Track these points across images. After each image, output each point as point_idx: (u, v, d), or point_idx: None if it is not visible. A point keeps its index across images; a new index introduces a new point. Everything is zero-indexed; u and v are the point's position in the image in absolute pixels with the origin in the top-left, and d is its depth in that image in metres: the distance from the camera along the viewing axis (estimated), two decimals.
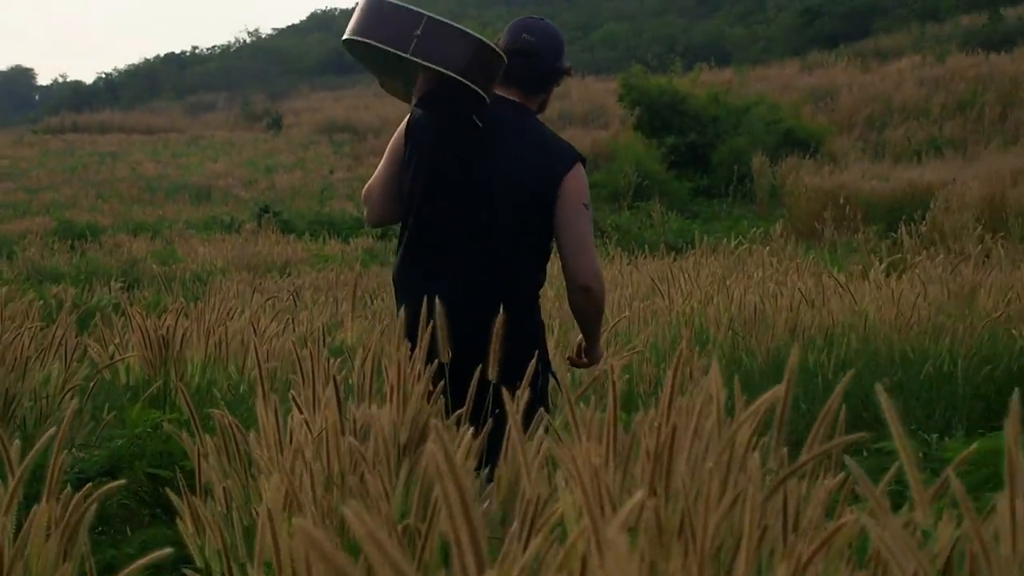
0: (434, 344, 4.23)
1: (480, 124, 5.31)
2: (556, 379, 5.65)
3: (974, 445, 4.25)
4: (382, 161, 5.60)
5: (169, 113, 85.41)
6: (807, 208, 25.20)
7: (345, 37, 5.22)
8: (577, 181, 5.39)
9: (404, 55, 4.95)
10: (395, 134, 5.59)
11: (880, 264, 12.00)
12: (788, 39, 75.47)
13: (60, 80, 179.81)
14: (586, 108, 47.42)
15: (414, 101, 5.37)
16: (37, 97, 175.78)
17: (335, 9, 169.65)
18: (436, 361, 4.10)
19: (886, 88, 44.46)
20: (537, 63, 5.49)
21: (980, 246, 15.20)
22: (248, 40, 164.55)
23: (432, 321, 4.26)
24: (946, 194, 23.44)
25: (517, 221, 5.36)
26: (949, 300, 9.60)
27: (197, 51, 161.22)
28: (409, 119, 5.54)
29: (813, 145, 34.77)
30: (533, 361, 4.31)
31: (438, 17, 5.07)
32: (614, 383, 2.87)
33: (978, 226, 19.33)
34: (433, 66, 4.99)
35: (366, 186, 5.66)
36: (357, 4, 5.30)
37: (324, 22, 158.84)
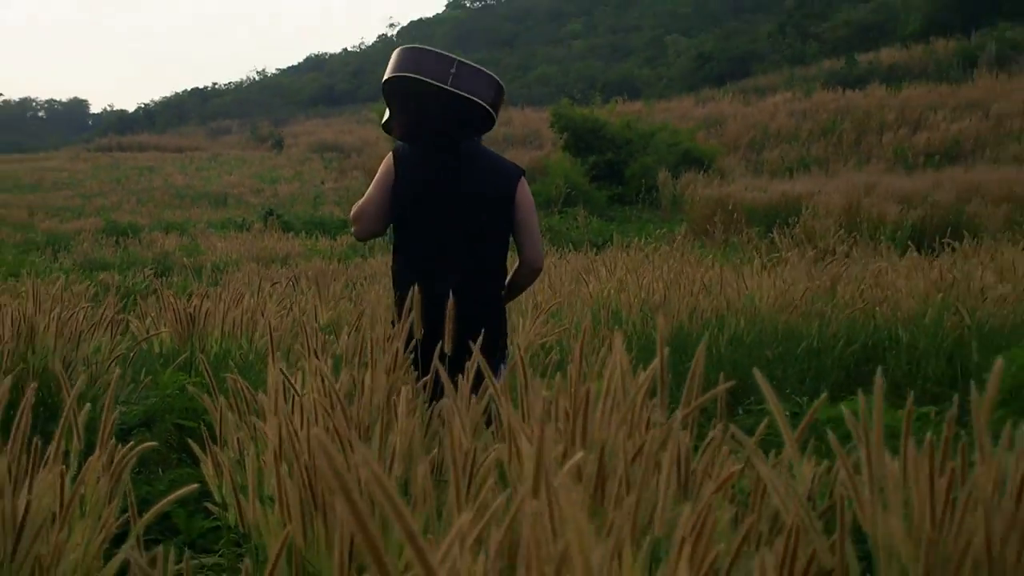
0: (435, 324, 4.59)
1: (457, 149, 5.52)
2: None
3: (840, 407, 4.27)
4: (371, 189, 5.56)
5: (194, 136, 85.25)
6: (702, 213, 25.21)
7: (395, 74, 5.37)
8: (525, 189, 5.58)
9: (444, 87, 5.18)
10: (381, 168, 5.60)
11: (760, 259, 12.06)
12: (685, 78, 75.64)
13: (108, 109, 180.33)
14: (525, 132, 47.40)
15: (407, 135, 5.64)
16: (90, 122, 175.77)
17: (326, 53, 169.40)
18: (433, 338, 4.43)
19: (763, 118, 44.59)
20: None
21: (840, 245, 15.29)
22: (256, 77, 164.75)
23: (436, 309, 4.61)
24: (812, 203, 23.48)
25: (491, 222, 5.53)
26: (817, 289, 9.64)
27: (216, 86, 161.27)
28: (394, 154, 5.57)
29: (706, 163, 34.83)
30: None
31: (465, 60, 5.33)
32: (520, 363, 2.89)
33: (838, 229, 19.43)
34: (466, 95, 5.24)
35: (356, 207, 5.60)
36: (395, 51, 5.51)
37: (317, 64, 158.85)
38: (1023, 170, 27.78)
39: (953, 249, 12.11)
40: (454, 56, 5.36)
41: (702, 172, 33.02)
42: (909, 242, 17.01)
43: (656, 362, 2.84)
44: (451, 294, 4.73)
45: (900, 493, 2.12)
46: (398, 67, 5.38)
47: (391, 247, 5.70)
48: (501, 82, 5.49)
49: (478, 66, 5.38)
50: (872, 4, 76.34)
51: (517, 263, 5.77)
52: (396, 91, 5.50)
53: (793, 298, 9.34)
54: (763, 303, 9.35)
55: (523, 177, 5.64)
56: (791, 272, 10.93)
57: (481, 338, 3.71)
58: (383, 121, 5.87)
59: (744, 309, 9.33)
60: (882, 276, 10.35)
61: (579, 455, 2.25)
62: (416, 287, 4.94)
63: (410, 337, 4.63)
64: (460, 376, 3.42)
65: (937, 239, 14.45)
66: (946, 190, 24.43)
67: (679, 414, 2.64)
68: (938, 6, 62.92)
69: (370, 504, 1.39)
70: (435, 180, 5.52)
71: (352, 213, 5.64)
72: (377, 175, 5.59)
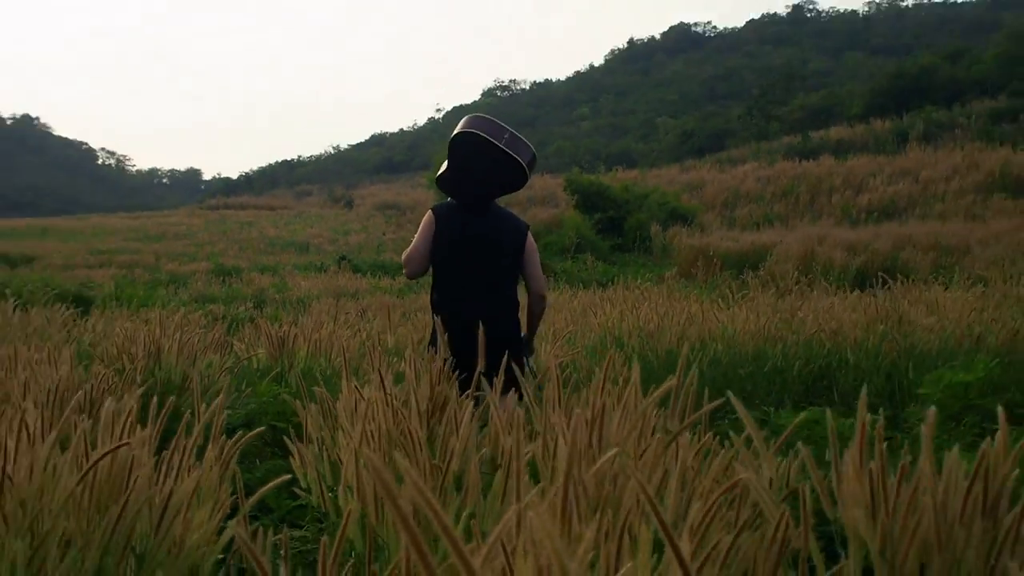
0: (468, 345, 4.60)
1: (486, 209, 5.86)
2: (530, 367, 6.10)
3: (801, 415, 4.25)
4: (416, 238, 5.81)
5: (283, 197, 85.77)
6: (686, 259, 25.24)
7: (464, 130, 5.71)
8: (531, 240, 5.97)
9: (498, 144, 5.61)
10: (424, 222, 5.87)
11: (733, 296, 12.11)
12: (672, 151, 75.73)
13: (217, 176, 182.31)
14: (544, 194, 47.26)
15: (453, 191, 5.94)
16: (203, 187, 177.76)
17: (386, 132, 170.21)
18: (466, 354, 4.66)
19: (735, 182, 44.56)
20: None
21: (797, 285, 15.26)
22: (332, 151, 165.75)
23: (467, 331, 4.71)
24: (775, 251, 23.55)
25: (508, 265, 5.88)
26: (780, 320, 9.65)
27: (300, 158, 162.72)
28: (434, 211, 5.90)
29: (689, 218, 34.84)
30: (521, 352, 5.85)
31: (513, 130, 5.75)
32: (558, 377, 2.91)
33: (796, 272, 19.39)
34: (512, 154, 5.66)
35: (405, 254, 5.82)
36: (465, 117, 5.87)
37: (379, 140, 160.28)
38: (946, 225, 27.78)
39: (889, 288, 12.07)
40: (507, 126, 5.74)
41: (686, 226, 33.05)
42: (854, 283, 17.02)
43: (667, 384, 2.85)
44: (482, 321, 4.70)
45: (858, 486, 2.10)
46: (467, 126, 5.73)
47: (432, 285, 5.91)
48: (535, 152, 5.88)
49: (522, 137, 5.77)
50: (822, 92, 76.54)
51: (528, 296, 6.05)
52: (459, 144, 5.74)
53: (760, 327, 9.36)
54: (737, 331, 9.36)
55: (529, 231, 6.01)
56: (759, 306, 10.97)
57: (507, 356, 3.96)
58: (437, 175, 6.05)
59: (722, 336, 9.35)
60: (832, 310, 10.33)
61: (611, 453, 2.25)
62: (450, 314, 5.46)
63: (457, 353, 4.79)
64: (491, 383, 3.60)
65: (876, 280, 14.41)
66: (884, 240, 24.44)
67: (687, 422, 2.65)
68: (876, 93, 63.08)
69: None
70: (467, 232, 5.80)
71: (403, 258, 5.84)
72: (420, 228, 5.86)
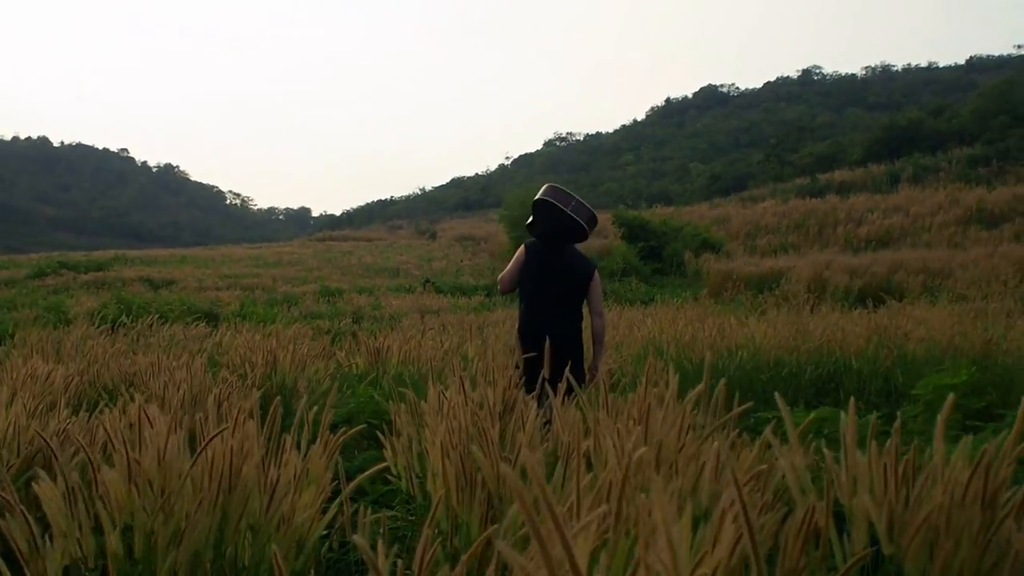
0: (539, 352, 4.95)
1: (563, 249, 6.42)
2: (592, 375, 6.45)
3: (813, 414, 4.18)
4: (510, 265, 6.46)
5: (378, 230, 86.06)
6: (715, 281, 25.11)
7: (542, 197, 6.40)
8: (597, 277, 6.51)
9: (566, 209, 6.27)
10: (517, 253, 6.52)
11: (755, 313, 12.02)
12: (702, 191, 75.46)
13: (323, 213, 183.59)
14: (597, 228, 47.17)
15: (538, 235, 6.48)
16: (312, 222, 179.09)
17: (464, 176, 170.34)
18: (537, 364, 4.91)
19: (756, 217, 44.26)
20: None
21: (808, 302, 15.11)
22: (419, 192, 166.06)
23: (544, 345, 4.93)
24: (790, 274, 23.35)
25: (578, 293, 6.44)
26: (797, 332, 9.56)
27: (393, 198, 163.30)
28: (525, 246, 6.49)
29: (717, 247, 34.70)
30: (584, 364, 6.37)
31: (579, 198, 6.41)
32: (604, 383, 2.87)
33: (808, 292, 19.25)
34: (576, 217, 6.30)
35: (500, 276, 6.51)
36: (545, 185, 6.54)
37: (458, 183, 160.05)
38: (932, 252, 27.49)
39: (885, 305, 11.94)
40: (574, 194, 6.42)
41: (715, 253, 32.91)
42: (856, 301, 16.83)
43: (699, 388, 2.81)
44: (550, 334, 5.36)
45: (868, 477, 2.05)
46: (544, 193, 6.43)
47: (519, 301, 6.53)
48: (595, 215, 6.52)
49: (586, 204, 6.42)
50: (828, 141, 75.94)
51: (591, 318, 6.56)
52: (538, 206, 6.41)
53: (779, 339, 9.28)
54: (758, 342, 9.28)
55: (596, 270, 6.55)
56: (777, 321, 10.88)
57: (570, 365, 4.06)
58: (527, 223, 6.61)
59: (746, 345, 9.27)
60: (838, 324, 10.22)
61: (643, 449, 2.20)
62: (527, 327, 6.28)
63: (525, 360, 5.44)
64: (554, 388, 3.71)
65: (875, 299, 14.26)
66: (880, 265, 24.21)
67: (720, 420, 2.61)
68: (872, 142, 62.72)
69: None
70: (546, 266, 6.37)
71: (499, 277, 6.53)
72: (515, 258, 6.51)
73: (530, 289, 6.38)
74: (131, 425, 2.96)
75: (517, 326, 6.50)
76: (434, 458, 3.19)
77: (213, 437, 2.67)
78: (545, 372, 4.46)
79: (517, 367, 4.88)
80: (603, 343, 6.54)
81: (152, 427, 2.78)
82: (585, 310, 6.58)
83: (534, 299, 6.36)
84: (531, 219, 6.51)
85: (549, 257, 6.39)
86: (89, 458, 2.81)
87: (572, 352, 6.12)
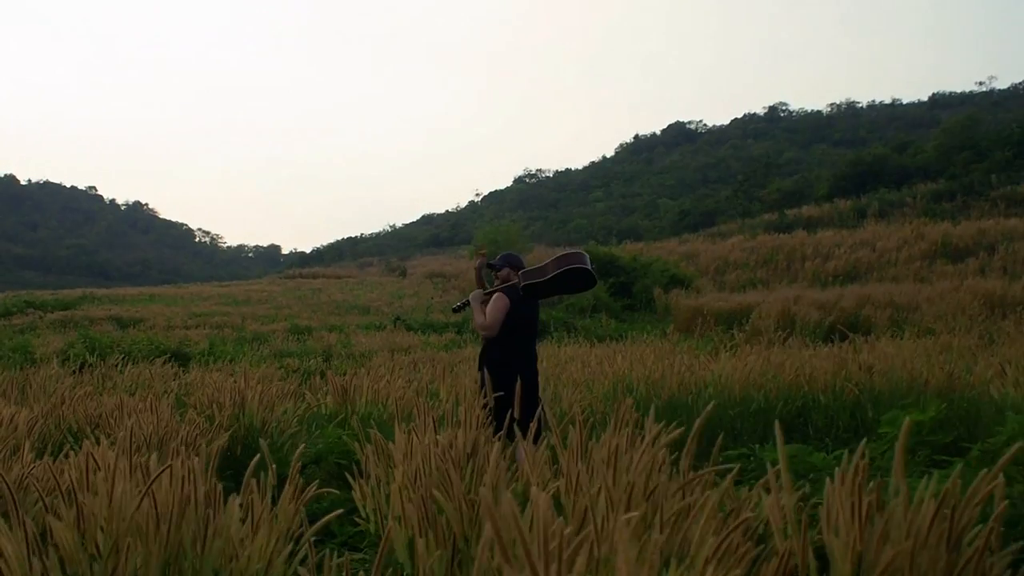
0: (510, 394, 5.69)
1: (538, 298, 7.11)
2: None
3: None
4: (497, 313, 6.92)
5: (348, 268, 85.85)
6: (684, 317, 25.12)
7: (586, 265, 6.89)
8: None
9: (588, 268, 6.89)
10: (501, 303, 6.98)
11: (725, 348, 12.05)
12: (671, 227, 75.61)
13: (293, 251, 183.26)
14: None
15: (530, 286, 6.97)
16: (281, 259, 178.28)
17: (434, 213, 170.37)
18: (512, 398, 5.53)
19: (724, 252, 44.52)
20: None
21: (778, 337, 15.16)
22: (389, 229, 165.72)
23: (516, 384, 5.69)
24: (759, 309, 23.40)
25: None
26: (766, 367, 9.60)
27: (362, 235, 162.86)
28: (510, 296, 7.01)
29: (687, 283, 34.80)
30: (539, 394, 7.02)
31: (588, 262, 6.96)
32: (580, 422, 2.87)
33: (777, 327, 19.33)
34: (590, 268, 6.90)
35: (491, 320, 6.91)
36: (577, 251, 7.17)
37: (428, 220, 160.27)
38: (899, 286, 27.67)
39: (852, 341, 12.00)
40: (584, 253, 7.07)
41: (684, 289, 33.00)
42: (826, 336, 16.93)
43: (676, 432, 2.80)
44: (524, 374, 6.53)
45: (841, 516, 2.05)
46: (583, 261, 6.97)
47: (489, 342, 7.04)
48: (594, 270, 7.06)
49: (589, 264, 7.00)
50: (795, 177, 76.88)
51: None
52: (577, 266, 6.90)
53: (747, 374, 9.30)
54: (726, 379, 9.29)
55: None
56: (746, 357, 10.89)
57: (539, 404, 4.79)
58: (526, 269, 7.16)
59: (714, 382, 9.27)
60: (807, 360, 10.26)
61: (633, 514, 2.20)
62: (506, 368, 6.70)
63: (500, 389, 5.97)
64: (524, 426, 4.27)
65: (842, 334, 14.34)
66: (848, 299, 24.31)
67: (706, 470, 2.60)
68: (839, 178, 63.39)
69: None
70: (525, 312, 7.11)
71: (488, 322, 6.93)
72: (499, 307, 6.97)
73: (509, 332, 6.98)
74: (97, 470, 2.94)
75: (488, 366, 6.80)
76: (395, 501, 3.17)
77: (156, 478, 2.65)
78: (516, 412, 4.84)
79: (485, 406, 4.96)
80: None
81: (100, 471, 2.76)
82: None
83: (513, 342, 6.99)
84: (535, 267, 7.06)
85: (525, 305, 7.11)
86: (45, 506, 2.78)
87: (536, 385, 6.99)
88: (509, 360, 6.85)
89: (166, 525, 2.69)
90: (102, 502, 2.67)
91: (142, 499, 2.66)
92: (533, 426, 3.94)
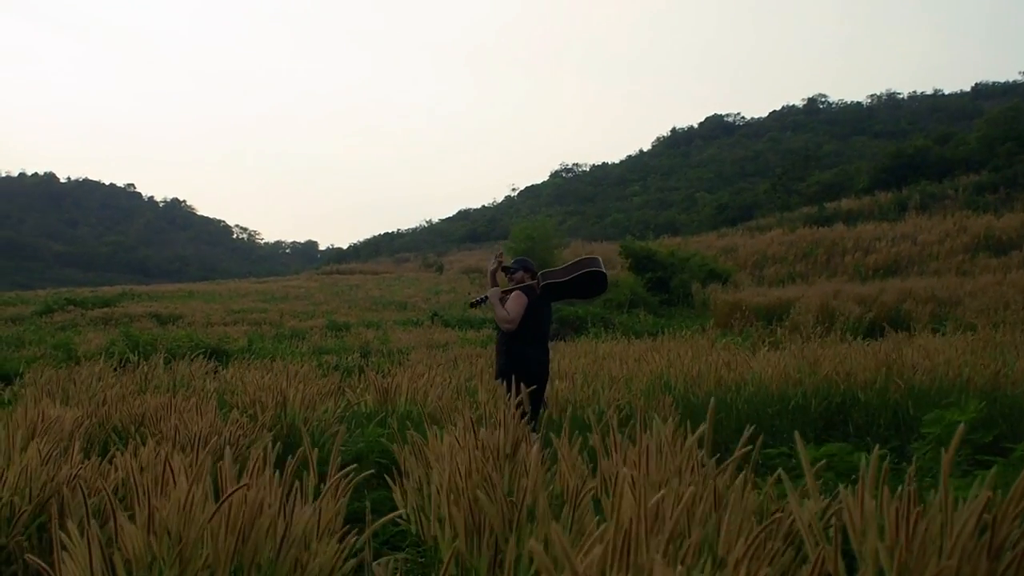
0: (541, 379, 7.22)
1: (553, 299, 8.09)
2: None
3: (823, 449, 4.19)
4: (518, 307, 7.62)
5: (385, 263, 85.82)
6: (723, 312, 25.03)
7: (604, 270, 8.05)
8: None
9: (603, 270, 8.00)
10: (520, 297, 7.71)
11: (764, 344, 12.01)
12: (709, 221, 75.17)
13: (331, 247, 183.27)
14: (603, 259, 47.27)
15: (550, 285, 7.99)
16: (319, 255, 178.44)
17: (470, 208, 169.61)
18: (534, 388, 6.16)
19: (763, 246, 44.28)
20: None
21: (817, 333, 15.10)
22: (426, 224, 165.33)
23: (537, 371, 7.16)
24: (798, 304, 23.30)
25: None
26: (805, 363, 9.56)
27: (400, 231, 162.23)
28: (523, 291, 7.78)
29: (724, 277, 34.64)
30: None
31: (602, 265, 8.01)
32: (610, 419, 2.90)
33: (816, 322, 19.24)
34: (604, 271, 7.99)
35: (514, 315, 7.59)
36: (595, 256, 8.25)
37: (465, 215, 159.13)
38: (941, 280, 27.50)
39: (888, 336, 11.93)
40: (598, 258, 8.21)
41: (722, 284, 32.85)
42: (867, 331, 16.84)
43: (702, 428, 2.83)
44: (542, 365, 7.68)
45: (875, 521, 2.07)
46: (600, 265, 8.10)
47: (507, 336, 7.71)
48: (606, 274, 8.12)
49: (602, 267, 8.11)
50: (834, 170, 76.13)
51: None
52: (597, 271, 8.02)
53: (785, 371, 9.27)
54: (765, 375, 9.27)
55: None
56: (785, 354, 10.86)
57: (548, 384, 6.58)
58: (548, 270, 8.24)
59: (753, 379, 9.26)
60: (846, 355, 10.21)
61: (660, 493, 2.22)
62: (529, 358, 7.57)
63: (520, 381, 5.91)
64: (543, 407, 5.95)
65: (883, 329, 14.25)
66: (889, 294, 24.19)
67: (731, 458, 2.63)
68: (879, 170, 62.80)
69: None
70: (541, 306, 7.89)
71: (511, 317, 7.60)
72: (519, 302, 7.68)
73: (530, 328, 7.69)
74: (141, 469, 2.99)
75: (507, 361, 7.59)
76: (441, 504, 3.21)
77: (234, 491, 2.69)
78: (526, 405, 4.89)
79: (519, 405, 4.97)
80: None
81: (174, 478, 2.81)
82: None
83: (533, 336, 7.72)
84: (556, 269, 8.13)
85: (540, 300, 7.89)
86: (112, 507, 2.83)
87: (546, 379, 7.83)
88: (526, 350, 7.61)
89: (237, 533, 2.73)
90: (173, 507, 2.72)
91: (220, 506, 2.71)
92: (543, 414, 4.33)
